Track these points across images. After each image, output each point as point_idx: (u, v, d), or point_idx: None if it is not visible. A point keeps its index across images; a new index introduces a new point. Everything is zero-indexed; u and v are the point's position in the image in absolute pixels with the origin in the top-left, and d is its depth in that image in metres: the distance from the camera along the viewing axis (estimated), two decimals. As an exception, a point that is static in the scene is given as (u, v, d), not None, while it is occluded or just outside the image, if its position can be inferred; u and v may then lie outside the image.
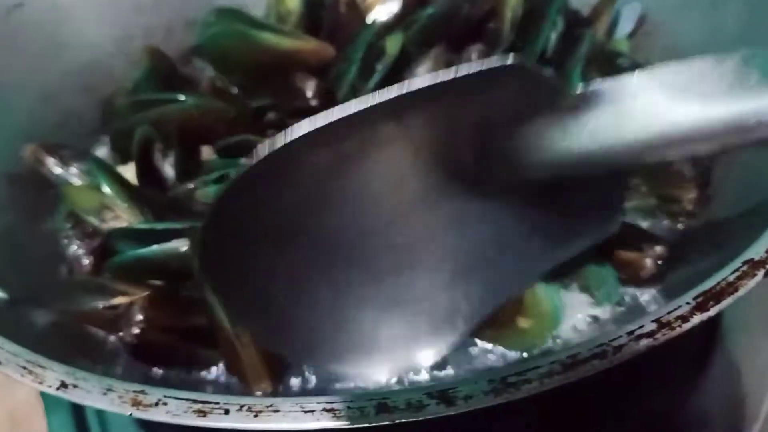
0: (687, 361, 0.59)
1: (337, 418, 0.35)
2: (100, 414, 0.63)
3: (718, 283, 0.38)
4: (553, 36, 0.68)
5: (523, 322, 0.46)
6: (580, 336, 0.48)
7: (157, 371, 0.49)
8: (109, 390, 0.37)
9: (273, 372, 0.47)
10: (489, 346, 0.48)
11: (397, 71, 0.66)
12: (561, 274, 0.50)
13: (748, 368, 0.58)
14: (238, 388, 0.48)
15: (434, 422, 0.35)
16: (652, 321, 0.36)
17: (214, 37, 0.67)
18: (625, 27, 0.72)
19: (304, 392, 0.47)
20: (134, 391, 0.37)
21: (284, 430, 0.35)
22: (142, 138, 0.60)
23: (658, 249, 0.50)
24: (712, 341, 0.59)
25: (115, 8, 0.80)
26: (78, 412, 0.64)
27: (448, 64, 0.65)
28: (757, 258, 0.39)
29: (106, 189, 0.58)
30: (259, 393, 0.47)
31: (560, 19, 0.69)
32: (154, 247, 0.53)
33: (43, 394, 0.64)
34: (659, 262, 0.50)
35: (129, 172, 0.61)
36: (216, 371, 0.50)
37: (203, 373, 0.50)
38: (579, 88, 0.40)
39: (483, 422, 0.45)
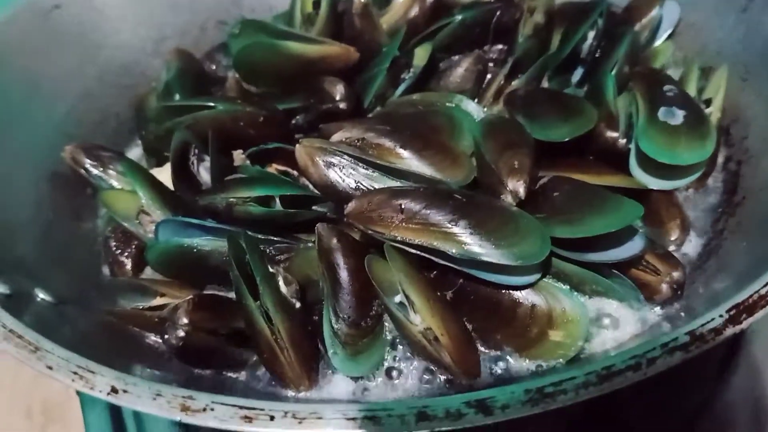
0: (713, 364, 0.59)
1: (379, 426, 0.36)
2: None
3: (751, 296, 0.38)
4: (591, 35, 0.68)
5: (555, 335, 0.47)
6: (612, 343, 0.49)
7: (201, 371, 0.51)
8: (158, 395, 0.39)
9: (311, 372, 0.48)
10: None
11: (424, 80, 0.67)
12: (583, 292, 0.50)
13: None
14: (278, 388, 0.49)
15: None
16: (686, 333, 0.37)
17: (243, 52, 0.67)
18: (665, 27, 0.71)
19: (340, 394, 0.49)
20: (183, 397, 0.39)
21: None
22: (180, 142, 0.60)
23: (676, 275, 0.50)
24: (737, 345, 0.59)
25: (150, 9, 0.82)
26: (114, 405, 0.64)
27: (480, 74, 0.66)
28: (789, 271, 0.39)
29: (142, 194, 0.59)
30: (295, 393, 0.48)
31: (601, 19, 0.68)
32: (201, 239, 0.54)
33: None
34: (675, 287, 0.50)
35: (163, 174, 0.62)
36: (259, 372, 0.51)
37: (244, 373, 0.51)
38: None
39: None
